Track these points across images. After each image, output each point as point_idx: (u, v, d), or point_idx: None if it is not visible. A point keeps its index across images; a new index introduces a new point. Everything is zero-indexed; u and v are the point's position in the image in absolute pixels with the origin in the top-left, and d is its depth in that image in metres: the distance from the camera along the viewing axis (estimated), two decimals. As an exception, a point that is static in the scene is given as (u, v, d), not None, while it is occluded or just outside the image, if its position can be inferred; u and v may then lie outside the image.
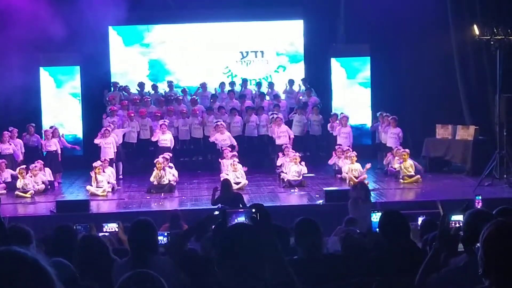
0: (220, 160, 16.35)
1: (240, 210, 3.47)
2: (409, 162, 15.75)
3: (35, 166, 15.68)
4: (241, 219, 3.34)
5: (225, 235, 3.09)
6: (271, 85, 20.13)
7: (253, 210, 3.26)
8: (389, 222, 5.35)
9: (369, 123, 19.53)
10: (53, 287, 1.95)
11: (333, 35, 20.10)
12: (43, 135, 17.32)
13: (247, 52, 20.94)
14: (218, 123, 17.34)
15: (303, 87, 20.00)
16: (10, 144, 16.68)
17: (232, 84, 20.15)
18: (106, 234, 8.36)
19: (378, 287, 4.76)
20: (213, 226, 5.16)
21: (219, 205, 11.46)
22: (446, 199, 13.12)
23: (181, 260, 4.87)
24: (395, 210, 5.68)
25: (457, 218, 4.87)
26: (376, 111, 18.80)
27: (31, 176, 15.41)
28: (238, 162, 15.65)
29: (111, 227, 8.62)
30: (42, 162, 16.10)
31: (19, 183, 15.21)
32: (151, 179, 15.41)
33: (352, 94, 20.30)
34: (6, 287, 1.89)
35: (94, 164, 15.41)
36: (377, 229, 5.97)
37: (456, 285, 4.00)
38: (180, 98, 19.34)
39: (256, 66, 20.93)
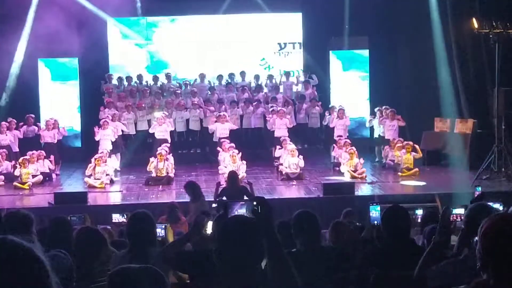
0: (218, 148, 16.35)
1: (241, 202, 3.46)
2: (410, 155, 15.82)
3: (33, 154, 15.70)
4: (242, 211, 3.33)
5: (224, 227, 3.08)
6: (270, 77, 20.09)
7: (255, 203, 3.25)
8: (393, 217, 5.34)
9: (367, 116, 19.53)
10: (46, 278, 1.94)
11: (332, 28, 20.05)
12: (45, 125, 17.28)
13: (285, 44, 20.96)
14: (220, 113, 17.39)
15: (302, 78, 20.03)
16: (6, 135, 16.69)
17: (231, 76, 20.12)
18: (108, 227, 8.37)
19: (376, 280, 4.77)
20: (204, 228, 5.18)
21: (219, 198, 11.50)
22: (444, 192, 13.14)
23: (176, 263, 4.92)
24: (400, 206, 5.67)
25: (459, 211, 4.88)
26: (374, 104, 18.83)
27: (32, 163, 15.47)
28: (236, 154, 15.64)
29: (115, 218, 8.64)
30: (44, 153, 16.15)
31: (17, 172, 15.24)
32: (148, 168, 15.49)
33: (350, 87, 20.28)
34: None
35: (95, 156, 15.44)
36: (375, 222, 5.98)
37: (455, 277, 4.01)
38: (178, 91, 19.34)
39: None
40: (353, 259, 5.34)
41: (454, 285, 3.05)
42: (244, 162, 15.67)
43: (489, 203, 5.26)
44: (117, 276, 2.86)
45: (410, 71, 19.36)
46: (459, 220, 4.99)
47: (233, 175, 12.61)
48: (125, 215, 8.72)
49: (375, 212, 7.12)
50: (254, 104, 18.72)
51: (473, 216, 4.34)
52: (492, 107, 15.64)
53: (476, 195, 10.09)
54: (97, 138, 16.64)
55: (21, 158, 15.49)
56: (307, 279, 4.30)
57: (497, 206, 7.21)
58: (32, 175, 15.39)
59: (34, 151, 15.95)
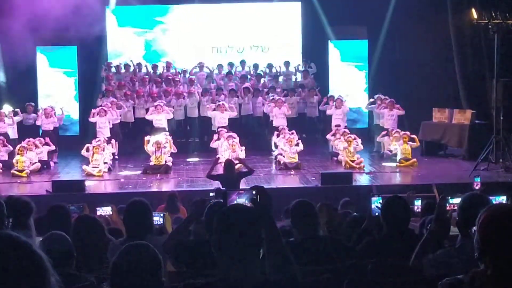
0: (213, 143, 16.36)
1: (240, 191, 3.46)
2: (408, 145, 15.83)
3: (29, 141, 15.70)
4: (241, 200, 3.33)
5: (222, 216, 3.08)
6: (269, 66, 20.01)
7: (254, 192, 3.26)
8: (393, 207, 5.35)
9: (363, 107, 19.53)
10: (45, 274, 1.93)
11: (331, 18, 20.00)
12: (42, 113, 17.27)
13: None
14: (220, 103, 17.39)
15: (301, 67, 20.00)
16: (5, 123, 16.70)
17: (231, 65, 20.06)
18: (102, 214, 8.33)
19: (373, 270, 4.77)
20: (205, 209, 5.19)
21: (215, 187, 11.50)
22: (441, 183, 13.16)
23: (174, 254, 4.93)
24: (399, 196, 5.68)
25: (456, 201, 4.88)
26: (372, 94, 18.83)
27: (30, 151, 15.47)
28: (236, 143, 15.62)
29: (106, 210, 8.56)
30: (43, 140, 16.16)
31: (15, 160, 15.23)
32: (146, 148, 15.63)
33: (348, 77, 20.25)
34: None
35: (93, 144, 15.46)
36: (377, 214, 5.98)
37: (451, 266, 4.02)
38: (178, 79, 19.31)
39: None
40: (352, 249, 5.35)
41: (451, 274, 3.05)
42: (243, 148, 15.69)
43: (493, 196, 5.26)
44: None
45: (409, 61, 19.34)
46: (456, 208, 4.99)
47: (229, 163, 12.63)
48: (111, 207, 8.62)
49: (377, 204, 7.10)
50: (253, 92, 18.71)
51: (467, 206, 4.35)
52: (490, 98, 15.64)
53: (475, 185, 10.10)
54: (90, 119, 16.68)
55: (19, 146, 15.48)
56: (305, 268, 4.30)
57: (503, 199, 7.16)
58: (30, 163, 15.37)
59: (31, 139, 15.94)
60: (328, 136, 16.87)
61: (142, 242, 3.24)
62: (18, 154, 15.30)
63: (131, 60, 19.93)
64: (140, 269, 3.11)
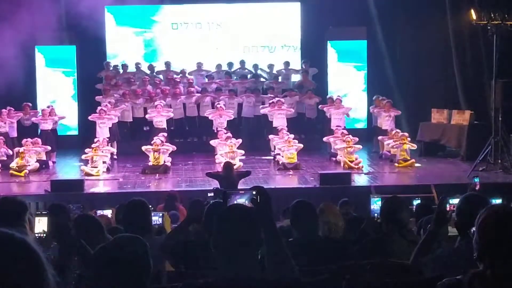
0: (212, 141, 16.36)
1: (240, 191, 3.46)
2: (406, 146, 15.82)
3: (26, 141, 15.68)
4: (241, 200, 3.33)
5: (222, 216, 3.09)
6: (270, 66, 19.97)
7: (254, 192, 3.26)
8: (392, 207, 5.36)
9: (361, 107, 19.52)
10: (42, 269, 1.93)
11: (330, 18, 19.98)
12: (41, 113, 17.28)
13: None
14: (218, 105, 17.36)
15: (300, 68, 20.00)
16: (5, 123, 16.70)
17: (230, 64, 20.03)
18: (105, 214, 8.34)
19: (373, 270, 4.78)
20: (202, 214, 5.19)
21: (214, 187, 11.51)
22: (440, 183, 13.17)
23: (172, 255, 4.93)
24: (398, 197, 5.69)
25: (455, 202, 4.88)
26: (371, 95, 18.83)
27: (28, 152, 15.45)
28: (234, 144, 15.61)
29: (106, 213, 8.56)
30: (39, 140, 16.15)
31: (13, 163, 15.20)
32: (144, 148, 15.63)
33: (347, 77, 20.23)
34: None
35: (93, 146, 15.45)
36: (375, 215, 6.00)
37: (450, 267, 4.02)
38: (178, 79, 19.27)
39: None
40: (351, 249, 5.35)
41: (450, 275, 3.05)
42: (243, 152, 15.69)
43: (492, 199, 5.26)
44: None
45: (408, 62, 19.34)
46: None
47: (228, 165, 12.62)
48: (112, 210, 8.63)
49: (375, 205, 7.10)
50: (253, 92, 18.70)
51: (466, 207, 4.36)
52: (489, 99, 15.65)
53: (475, 186, 10.09)
54: (90, 118, 16.71)
55: (22, 149, 15.42)
56: (305, 268, 4.31)
57: (499, 201, 7.16)
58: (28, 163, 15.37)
59: (29, 139, 15.91)
60: (326, 139, 16.89)
61: (131, 235, 3.21)
62: (18, 157, 15.29)
63: (123, 65, 19.85)
64: (123, 259, 3.01)
